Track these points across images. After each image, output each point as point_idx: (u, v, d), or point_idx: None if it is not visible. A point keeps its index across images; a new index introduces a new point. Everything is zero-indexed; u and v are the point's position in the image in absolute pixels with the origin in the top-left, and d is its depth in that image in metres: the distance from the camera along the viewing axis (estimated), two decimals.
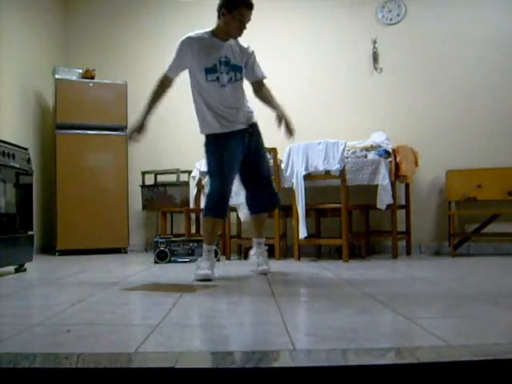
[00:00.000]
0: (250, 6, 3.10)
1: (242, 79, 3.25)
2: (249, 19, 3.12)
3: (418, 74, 5.20)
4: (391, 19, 5.28)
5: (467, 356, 1.37)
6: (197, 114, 3.25)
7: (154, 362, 1.38)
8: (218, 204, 3.20)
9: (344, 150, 4.11)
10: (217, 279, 3.13)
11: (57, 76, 5.19)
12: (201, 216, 3.44)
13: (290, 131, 3.30)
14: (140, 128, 3.18)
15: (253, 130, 3.29)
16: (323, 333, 1.70)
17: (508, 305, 2.18)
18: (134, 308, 2.36)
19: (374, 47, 5.25)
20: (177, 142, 5.49)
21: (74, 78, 5.28)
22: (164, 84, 3.24)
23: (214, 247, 3.36)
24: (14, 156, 3.58)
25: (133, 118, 5.41)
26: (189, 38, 3.14)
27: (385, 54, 5.25)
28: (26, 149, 3.86)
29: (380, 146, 4.48)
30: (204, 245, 3.25)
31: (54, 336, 1.69)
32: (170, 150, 5.50)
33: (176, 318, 1.95)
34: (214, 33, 3.18)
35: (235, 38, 3.19)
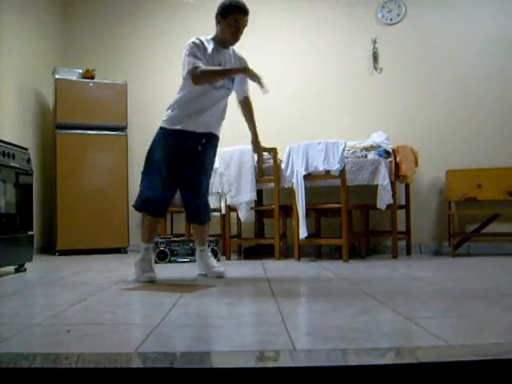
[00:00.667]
0: (244, 12, 3.10)
1: (230, 90, 3.23)
2: (244, 25, 3.13)
3: (418, 73, 5.21)
4: (391, 19, 5.29)
5: (467, 356, 1.37)
6: (176, 105, 3.14)
7: (154, 362, 1.38)
8: (161, 203, 3.14)
9: (344, 149, 4.11)
10: (217, 279, 3.14)
11: (57, 76, 5.19)
12: (134, 207, 3.29)
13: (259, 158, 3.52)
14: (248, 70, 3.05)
15: (213, 141, 3.24)
16: (323, 333, 1.70)
17: (508, 305, 2.18)
18: (134, 308, 2.36)
19: (374, 47, 5.25)
20: None
21: (74, 78, 5.27)
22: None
23: (152, 245, 3.28)
24: (14, 156, 3.58)
25: (133, 118, 5.47)
26: (197, 38, 3.13)
27: (385, 54, 5.25)
28: (26, 149, 3.86)
29: (380, 146, 4.48)
30: (141, 243, 3.21)
31: (54, 336, 1.69)
32: None
33: (176, 318, 1.95)
34: (214, 40, 3.19)
35: (231, 43, 3.19)
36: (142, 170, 3.24)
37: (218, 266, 3.35)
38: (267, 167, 4.56)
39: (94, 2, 5.79)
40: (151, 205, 3.15)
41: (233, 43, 3.19)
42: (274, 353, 1.43)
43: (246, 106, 3.34)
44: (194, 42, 3.10)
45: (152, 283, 3.00)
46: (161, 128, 3.19)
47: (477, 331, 1.70)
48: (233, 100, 3.35)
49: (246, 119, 3.37)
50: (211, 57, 3.11)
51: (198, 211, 3.28)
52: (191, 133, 3.12)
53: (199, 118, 3.13)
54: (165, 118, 3.18)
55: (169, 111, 3.18)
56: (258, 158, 3.55)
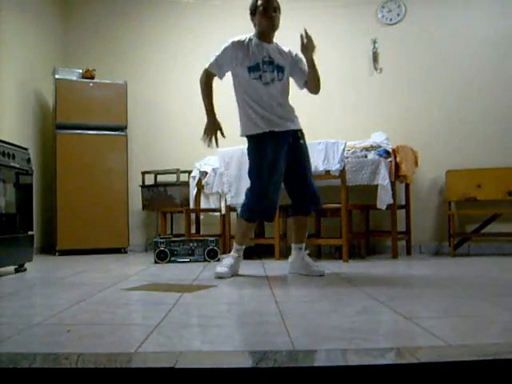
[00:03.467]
0: None
1: (285, 80, 3.28)
2: (274, 6, 3.18)
3: (418, 73, 5.21)
4: (391, 19, 5.29)
5: (467, 356, 1.37)
6: (241, 115, 3.25)
7: (154, 362, 1.38)
8: (254, 208, 3.22)
9: (344, 149, 4.11)
10: (217, 279, 3.14)
11: (57, 76, 5.19)
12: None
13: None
14: (213, 125, 3.16)
15: (301, 135, 3.29)
16: (323, 333, 1.70)
17: (508, 305, 2.18)
18: (134, 308, 2.36)
19: (374, 47, 5.25)
20: (177, 142, 5.50)
21: (74, 78, 5.28)
22: (207, 79, 3.23)
23: (243, 247, 3.37)
24: (14, 156, 3.58)
25: (133, 118, 5.47)
26: (233, 42, 3.20)
27: (385, 54, 5.25)
28: (26, 149, 3.86)
29: (380, 146, 4.48)
30: (234, 243, 3.40)
31: (54, 336, 1.69)
32: (170, 150, 5.50)
33: (176, 318, 1.95)
34: (257, 36, 3.26)
35: (272, 30, 3.23)
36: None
37: (317, 265, 3.40)
38: None
39: (94, 2, 5.79)
40: (247, 210, 3.26)
41: (272, 29, 3.23)
42: (274, 353, 1.43)
43: (314, 85, 3.39)
44: (225, 47, 3.20)
45: (152, 283, 3.00)
46: (246, 136, 3.26)
47: (477, 331, 1.70)
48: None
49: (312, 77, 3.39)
50: (253, 52, 3.19)
51: (312, 198, 3.30)
52: (266, 134, 3.17)
53: (266, 119, 3.17)
54: (241, 128, 3.27)
55: (241, 119, 3.26)
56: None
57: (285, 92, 3.31)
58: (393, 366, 1.33)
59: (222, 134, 3.20)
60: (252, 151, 3.23)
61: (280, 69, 3.25)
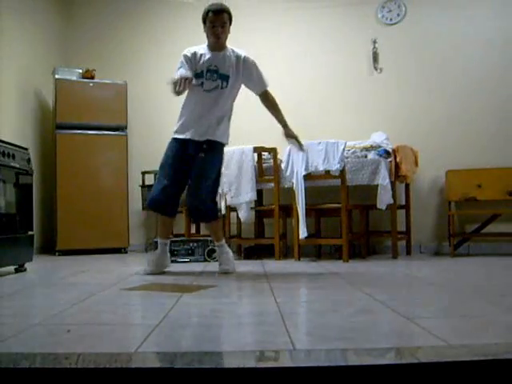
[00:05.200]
0: (217, 11, 3.24)
1: (229, 89, 3.32)
2: (222, 23, 3.25)
3: (417, 73, 5.21)
4: (391, 19, 5.28)
5: (467, 356, 1.37)
6: (180, 115, 3.41)
7: (154, 362, 1.38)
8: (161, 203, 3.40)
9: (344, 149, 4.11)
10: (217, 279, 3.14)
11: (57, 76, 5.18)
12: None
13: (300, 146, 3.60)
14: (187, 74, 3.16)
15: (208, 147, 3.34)
16: (323, 333, 1.70)
17: (508, 305, 2.18)
18: (134, 308, 2.36)
19: (374, 47, 5.25)
20: None
21: (74, 78, 5.27)
22: None
23: (168, 241, 3.55)
24: (14, 156, 3.58)
25: (133, 118, 5.47)
26: (187, 51, 3.36)
27: (385, 54, 5.25)
28: (26, 149, 3.86)
29: (380, 146, 4.48)
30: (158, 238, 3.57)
31: (54, 336, 1.69)
32: None
33: (176, 318, 1.95)
34: (207, 45, 3.37)
35: (216, 44, 3.31)
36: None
37: (227, 263, 3.46)
38: (267, 167, 4.56)
39: (94, 2, 5.79)
40: (156, 204, 3.43)
41: (218, 43, 3.31)
42: (274, 353, 1.43)
43: (266, 100, 3.44)
44: (183, 55, 3.33)
45: (152, 283, 3.00)
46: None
47: (477, 331, 1.70)
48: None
49: (270, 112, 3.48)
50: (200, 60, 3.31)
51: (195, 211, 3.52)
52: (190, 141, 3.34)
53: (197, 125, 3.32)
54: (174, 128, 3.43)
55: (177, 121, 3.43)
56: (299, 145, 3.62)
57: (225, 102, 3.36)
58: (393, 366, 1.33)
59: (190, 82, 3.15)
60: (167, 147, 3.44)
61: (224, 78, 3.31)
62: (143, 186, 5.31)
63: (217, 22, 3.23)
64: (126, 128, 5.37)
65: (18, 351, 1.45)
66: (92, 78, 5.33)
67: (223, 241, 3.54)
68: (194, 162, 3.34)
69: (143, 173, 5.33)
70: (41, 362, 1.38)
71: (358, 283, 2.88)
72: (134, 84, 5.43)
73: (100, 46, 5.71)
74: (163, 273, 3.41)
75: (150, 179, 5.34)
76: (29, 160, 3.84)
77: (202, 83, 3.30)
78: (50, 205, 5.22)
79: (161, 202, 3.38)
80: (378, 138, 4.65)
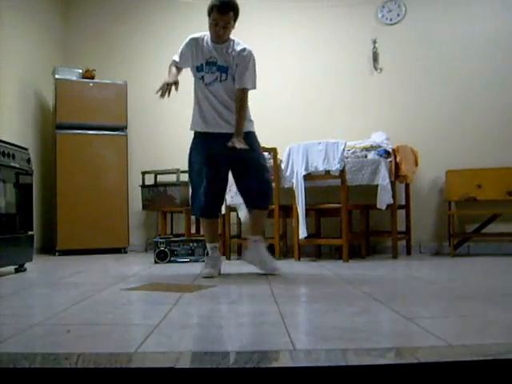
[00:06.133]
0: (222, 10, 3.12)
1: (230, 81, 3.26)
2: (226, 22, 3.16)
3: (417, 73, 5.20)
4: (391, 19, 5.28)
5: (467, 356, 1.37)
6: (193, 110, 3.38)
7: (154, 362, 1.38)
8: (198, 204, 3.31)
9: (344, 149, 4.11)
10: (217, 279, 3.15)
11: (57, 76, 5.19)
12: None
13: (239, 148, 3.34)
14: (173, 79, 3.18)
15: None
16: (323, 333, 1.70)
17: (508, 305, 2.18)
18: (134, 308, 2.36)
19: (374, 47, 5.25)
20: (177, 142, 5.48)
21: (74, 78, 5.28)
22: (173, 65, 3.36)
23: (217, 245, 3.44)
24: (14, 156, 3.58)
25: (133, 118, 5.47)
26: (190, 38, 3.31)
27: (385, 54, 5.25)
28: (26, 149, 3.86)
29: (380, 146, 4.48)
30: (206, 243, 3.48)
31: (54, 336, 1.69)
32: (170, 149, 5.49)
33: (176, 318, 1.95)
34: (211, 38, 3.29)
35: (216, 41, 3.25)
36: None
37: (275, 261, 3.48)
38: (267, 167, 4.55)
39: (94, 2, 5.79)
40: (198, 207, 3.34)
41: (218, 40, 3.25)
42: (274, 353, 1.43)
43: (237, 98, 3.27)
44: (186, 43, 3.31)
45: (152, 283, 3.00)
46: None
47: (477, 331, 1.70)
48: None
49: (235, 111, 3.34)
50: (201, 52, 3.27)
51: (255, 195, 3.34)
52: (206, 133, 3.30)
53: (205, 118, 3.29)
54: (191, 124, 3.41)
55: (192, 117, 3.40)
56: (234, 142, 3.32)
57: (229, 93, 3.28)
58: (393, 366, 1.33)
59: (176, 88, 3.17)
60: (191, 147, 3.40)
61: (223, 69, 3.25)
62: (143, 186, 5.31)
63: (220, 21, 3.13)
64: (125, 128, 5.37)
65: (17, 351, 1.45)
66: (92, 77, 5.33)
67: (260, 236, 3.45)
68: (231, 156, 3.19)
69: (143, 173, 5.33)
70: (41, 362, 1.38)
71: (358, 283, 2.88)
72: (134, 84, 5.43)
73: (100, 46, 5.71)
74: (219, 274, 3.33)
75: (149, 179, 5.34)
76: (29, 160, 3.85)
77: (203, 77, 3.26)
78: (50, 205, 5.22)
79: (207, 207, 3.29)
80: (378, 137, 4.65)
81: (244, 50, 3.25)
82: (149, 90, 5.72)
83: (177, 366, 1.30)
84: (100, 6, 5.77)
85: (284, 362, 1.40)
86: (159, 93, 3.15)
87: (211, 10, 3.15)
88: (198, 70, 3.28)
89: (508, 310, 2.07)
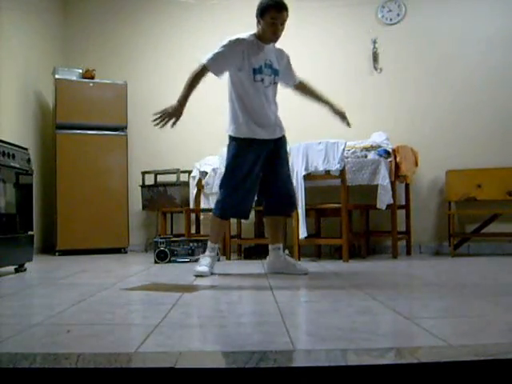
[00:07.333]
0: (280, 8, 3.13)
1: (277, 84, 3.35)
2: (283, 20, 3.16)
3: (418, 73, 5.20)
4: (391, 19, 5.28)
5: (467, 356, 1.37)
6: (231, 113, 3.27)
7: (154, 362, 1.38)
8: (227, 207, 3.31)
9: (344, 150, 4.11)
10: (217, 279, 3.15)
11: (57, 76, 5.19)
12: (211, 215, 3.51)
13: (347, 123, 3.63)
14: (178, 113, 3.13)
15: (280, 144, 3.35)
16: (323, 333, 1.70)
17: (508, 305, 2.18)
18: (134, 308, 2.36)
19: (374, 47, 5.25)
20: (177, 142, 5.49)
21: (74, 78, 5.28)
22: (201, 75, 3.17)
23: (217, 246, 3.46)
24: (14, 156, 3.57)
25: (133, 118, 5.47)
26: (238, 39, 3.19)
27: (385, 54, 5.25)
28: (26, 149, 3.86)
29: (380, 146, 4.47)
30: (208, 242, 3.43)
31: (54, 336, 1.69)
32: (170, 149, 5.50)
33: (176, 318, 1.95)
34: (257, 36, 3.25)
35: (272, 41, 3.25)
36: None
37: (300, 263, 3.52)
38: None
39: (94, 1, 5.79)
40: (221, 208, 3.37)
41: (274, 41, 3.26)
42: (274, 353, 1.43)
43: (305, 89, 3.48)
44: (232, 42, 3.17)
45: (152, 283, 3.00)
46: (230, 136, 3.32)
47: (477, 331, 1.70)
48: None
49: (314, 99, 3.51)
50: (258, 53, 3.21)
51: (281, 201, 3.41)
52: (259, 140, 3.25)
53: (252, 124, 3.22)
54: (233, 128, 3.29)
55: (231, 121, 3.28)
56: (347, 122, 3.66)
57: (275, 96, 3.37)
58: (393, 365, 1.33)
59: (175, 122, 3.15)
60: (232, 151, 3.27)
61: (276, 73, 3.31)
62: (143, 186, 5.31)
63: (278, 19, 3.13)
64: (125, 128, 5.37)
65: (17, 351, 1.45)
66: (92, 78, 5.33)
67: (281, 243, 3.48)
68: (275, 156, 3.29)
69: (143, 173, 5.33)
70: (41, 362, 1.38)
71: (358, 283, 2.88)
72: (134, 84, 5.43)
73: (100, 45, 5.71)
74: (212, 274, 3.32)
75: (149, 179, 5.34)
76: (29, 160, 3.84)
77: (263, 79, 3.21)
78: (50, 205, 5.22)
79: (238, 207, 3.32)
80: (378, 137, 4.65)
81: (283, 49, 3.40)
82: (149, 89, 5.76)
83: (177, 366, 1.30)
84: (100, 6, 5.76)
85: (284, 362, 1.40)
86: (156, 121, 3.08)
87: (266, 10, 3.13)
88: (257, 72, 3.19)
89: (508, 310, 2.07)
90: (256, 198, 4.34)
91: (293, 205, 3.48)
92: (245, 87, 3.21)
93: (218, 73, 3.19)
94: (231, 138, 3.29)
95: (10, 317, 2.07)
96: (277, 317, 1.93)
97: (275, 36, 3.21)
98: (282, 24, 3.18)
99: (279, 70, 3.32)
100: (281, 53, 3.38)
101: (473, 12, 5.17)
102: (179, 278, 3.25)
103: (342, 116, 3.54)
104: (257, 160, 3.23)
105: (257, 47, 3.22)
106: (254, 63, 3.19)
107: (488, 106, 5.04)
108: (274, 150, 3.30)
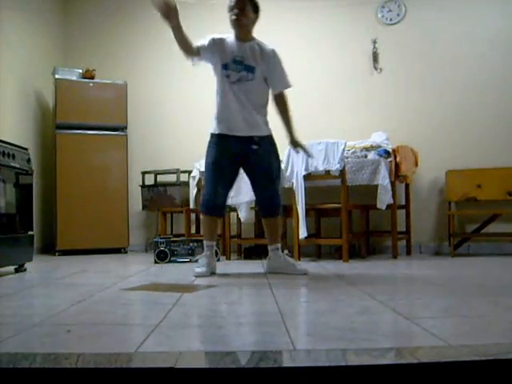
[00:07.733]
0: None
1: (257, 81, 3.26)
2: (241, 6, 3.18)
3: (418, 73, 5.20)
4: (391, 19, 5.28)
5: (467, 356, 1.37)
6: (215, 111, 3.33)
7: (154, 362, 1.38)
8: (212, 203, 3.31)
9: (344, 149, 4.11)
10: (217, 279, 3.15)
11: (57, 76, 5.19)
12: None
13: (308, 154, 3.60)
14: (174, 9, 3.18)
15: (262, 143, 3.30)
16: (323, 333, 1.70)
17: (508, 305, 2.18)
18: (134, 308, 2.36)
19: (374, 47, 5.25)
20: (177, 142, 5.49)
21: (74, 78, 5.28)
22: (189, 44, 3.28)
23: (214, 243, 3.45)
24: (14, 156, 3.57)
25: (133, 118, 5.47)
26: (214, 37, 3.27)
27: (385, 54, 5.25)
28: (25, 149, 3.86)
29: (380, 146, 4.48)
30: (203, 241, 3.43)
31: (54, 336, 1.69)
32: (169, 150, 5.50)
33: (176, 318, 1.95)
34: (234, 34, 3.30)
35: (237, 28, 3.25)
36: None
37: (299, 264, 3.54)
38: None
39: (94, 1, 5.79)
40: (206, 205, 3.36)
41: (238, 26, 3.24)
42: (274, 353, 1.43)
43: (281, 102, 3.38)
44: (211, 37, 3.27)
45: (152, 283, 3.00)
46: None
47: (477, 331, 1.70)
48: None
49: (282, 117, 3.41)
50: (227, 49, 3.24)
51: (264, 204, 3.43)
52: (232, 136, 3.25)
53: (234, 119, 3.24)
54: (212, 124, 3.33)
55: (212, 117, 3.33)
56: (307, 153, 3.60)
57: (255, 94, 3.29)
58: (393, 366, 1.33)
59: (171, 14, 3.23)
60: (208, 147, 3.33)
61: (249, 69, 3.25)
62: (143, 186, 5.31)
63: (236, 5, 3.17)
64: (125, 128, 5.37)
65: (17, 351, 1.45)
66: (92, 78, 5.33)
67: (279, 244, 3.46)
68: (248, 158, 3.28)
69: (143, 173, 5.33)
70: (41, 362, 1.38)
71: (358, 283, 2.88)
72: (133, 84, 5.43)
73: (100, 46, 5.71)
74: (213, 274, 3.33)
75: (149, 179, 5.34)
76: (29, 160, 3.84)
77: (229, 75, 3.23)
78: (50, 205, 5.22)
79: (214, 204, 3.31)
80: (378, 137, 4.65)
81: (272, 50, 3.32)
82: (149, 89, 5.76)
83: (177, 366, 1.30)
84: (100, 6, 5.76)
85: (284, 362, 1.40)
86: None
87: (228, 3, 3.20)
88: (224, 67, 3.23)
89: (508, 310, 2.07)
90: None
91: (273, 207, 3.39)
92: (218, 83, 3.28)
93: (199, 50, 3.24)
94: (210, 134, 3.35)
95: (10, 317, 2.06)
96: (277, 317, 1.93)
97: (235, 21, 3.21)
98: (242, 9, 3.18)
99: (255, 68, 3.24)
100: (267, 52, 3.30)
101: (473, 12, 5.17)
102: (179, 278, 3.25)
103: (300, 147, 3.46)
104: (230, 156, 3.25)
105: (229, 44, 3.25)
106: (223, 59, 3.24)
107: (488, 106, 5.04)
108: (252, 149, 3.26)
